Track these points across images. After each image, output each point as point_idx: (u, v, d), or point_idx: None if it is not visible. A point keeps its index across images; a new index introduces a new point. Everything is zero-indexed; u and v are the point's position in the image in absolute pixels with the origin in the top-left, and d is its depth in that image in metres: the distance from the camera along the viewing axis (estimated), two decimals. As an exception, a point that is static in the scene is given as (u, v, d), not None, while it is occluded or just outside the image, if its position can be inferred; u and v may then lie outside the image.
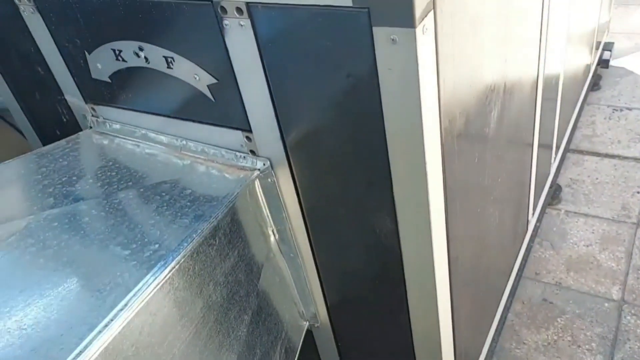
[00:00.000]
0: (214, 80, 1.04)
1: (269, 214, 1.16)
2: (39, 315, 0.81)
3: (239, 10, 0.91)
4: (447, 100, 0.95)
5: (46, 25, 1.23)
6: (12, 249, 0.92)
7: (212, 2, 0.93)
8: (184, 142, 1.21)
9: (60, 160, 1.23)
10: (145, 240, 0.92)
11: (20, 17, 1.25)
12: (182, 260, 0.88)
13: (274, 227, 1.19)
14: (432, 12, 0.82)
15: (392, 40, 0.81)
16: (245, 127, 1.08)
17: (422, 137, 0.89)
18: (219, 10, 0.93)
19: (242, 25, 0.93)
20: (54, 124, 1.51)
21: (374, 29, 0.81)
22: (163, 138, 1.25)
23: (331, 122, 0.98)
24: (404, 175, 0.97)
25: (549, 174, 2.43)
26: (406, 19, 0.78)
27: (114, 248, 0.92)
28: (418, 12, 0.78)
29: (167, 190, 1.07)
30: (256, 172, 1.09)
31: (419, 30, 0.79)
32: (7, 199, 1.12)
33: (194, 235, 0.92)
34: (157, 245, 0.90)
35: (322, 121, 0.99)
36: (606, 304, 2.11)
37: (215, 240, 0.97)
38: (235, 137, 1.11)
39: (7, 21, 1.29)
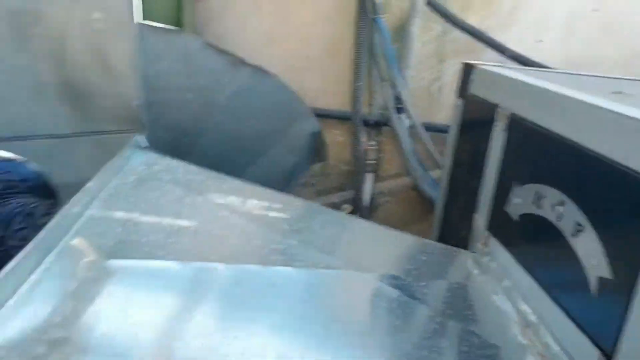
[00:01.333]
0: (609, 276, 0.79)
1: None
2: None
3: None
4: None
5: (506, 144, 1.21)
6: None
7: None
8: (541, 325, 0.96)
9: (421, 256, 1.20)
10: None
11: (490, 130, 1.28)
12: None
13: None
14: None
15: None
16: (605, 347, 0.76)
17: None
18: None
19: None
20: (454, 233, 1.50)
21: None
22: (526, 308, 1.04)
23: None
24: None
25: None
26: None
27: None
28: None
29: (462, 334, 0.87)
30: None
31: None
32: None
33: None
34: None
35: None
36: None
37: None
38: (588, 351, 0.80)
39: (482, 130, 1.33)
